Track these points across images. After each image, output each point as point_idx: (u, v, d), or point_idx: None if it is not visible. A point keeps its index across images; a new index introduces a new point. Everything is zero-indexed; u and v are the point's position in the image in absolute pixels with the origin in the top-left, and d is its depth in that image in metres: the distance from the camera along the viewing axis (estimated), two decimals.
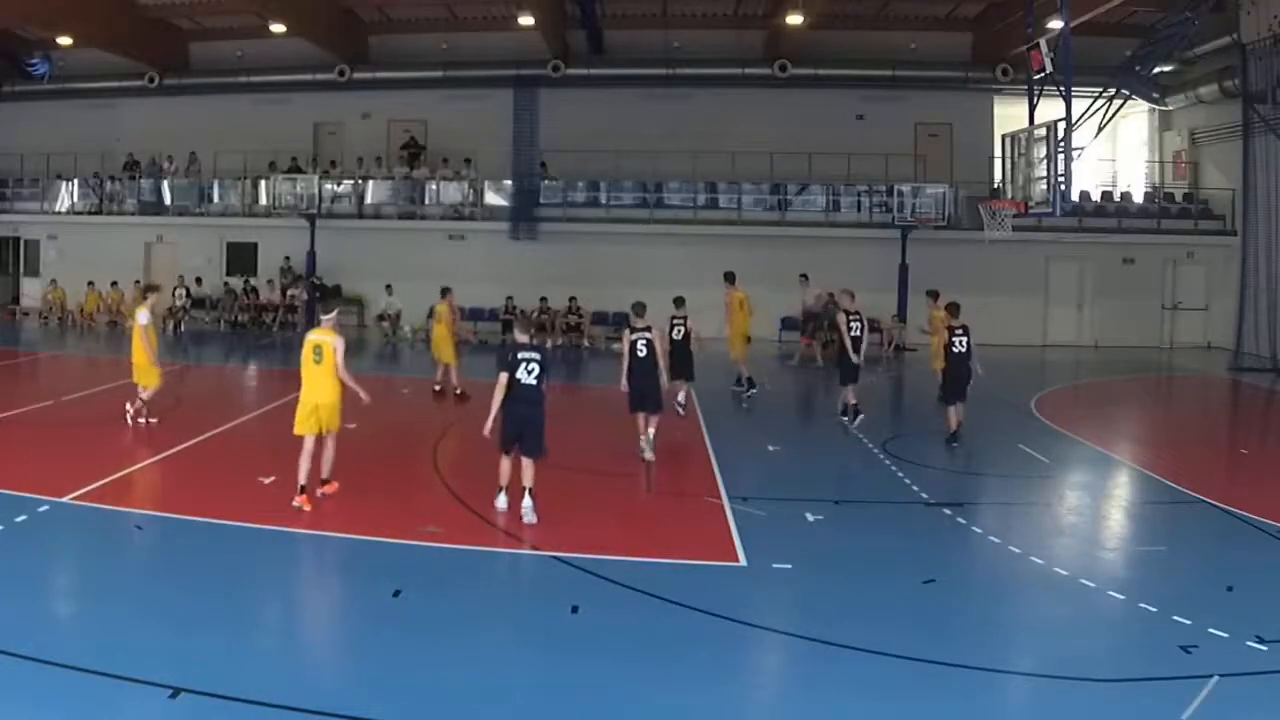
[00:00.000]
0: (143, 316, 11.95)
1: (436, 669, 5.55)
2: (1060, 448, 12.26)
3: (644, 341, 10.74)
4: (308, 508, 8.58)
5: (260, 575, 7.10)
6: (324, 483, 9.04)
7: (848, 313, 12.90)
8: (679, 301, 13.18)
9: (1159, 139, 26.08)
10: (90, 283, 25.14)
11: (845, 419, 12.82)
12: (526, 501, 8.33)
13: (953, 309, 12.23)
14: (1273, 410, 17.78)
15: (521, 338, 8.75)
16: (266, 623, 6.37)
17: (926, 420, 13.72)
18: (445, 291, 15.46)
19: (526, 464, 8.40)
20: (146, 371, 11.88)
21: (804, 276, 20.28)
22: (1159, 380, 20.61)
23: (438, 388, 15.10)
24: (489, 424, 8.36)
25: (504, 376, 8.30)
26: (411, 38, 26.06)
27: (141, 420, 11.80)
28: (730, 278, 15.71)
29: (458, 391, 14.52)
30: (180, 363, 18.82)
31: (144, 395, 11.89)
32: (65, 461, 9.86)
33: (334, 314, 9.65)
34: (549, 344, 21.63)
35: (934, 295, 14.92)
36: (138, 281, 25.64)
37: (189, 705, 4.93)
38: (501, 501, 8.65)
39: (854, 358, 12.62)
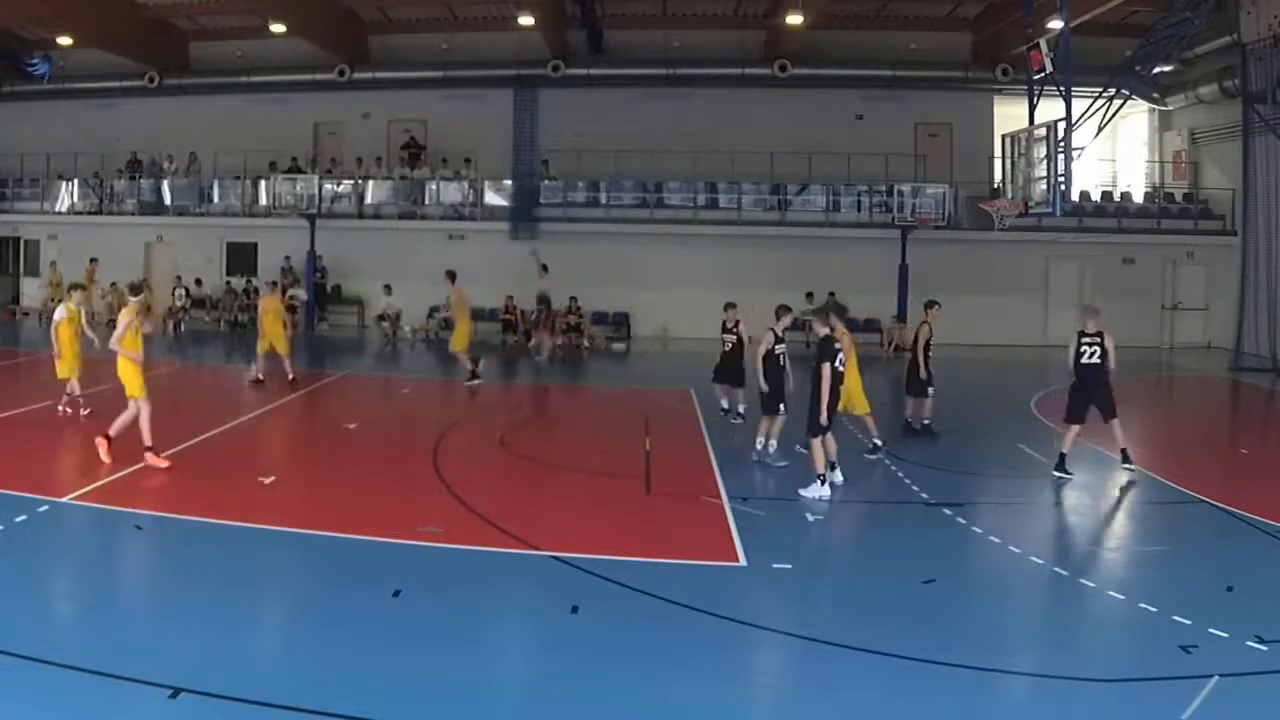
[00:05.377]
0: (58, 312, 12.46)
1: (436, 669, 5.54)
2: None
3: None
4: None
5: (260, 575, 7.10)
6: None
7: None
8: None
9: (1159, 139, 26.09)
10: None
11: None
12: None
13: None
14: (1273, 410, 17.76)
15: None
16: (266, 623, 6.37)
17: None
18: (273, 285, 16.60)
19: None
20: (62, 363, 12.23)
21: (544, 267, 19.57)
22: (1159, 380, 20.57)
23: (260, 378, 15.15)
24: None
25: (825, 368, 9.29)
26: (411, 38, 26.08)
27: (71, 411, 12.09)
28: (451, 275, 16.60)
29: (291, 379, 14.92)
30: (180, 363, 18.84)
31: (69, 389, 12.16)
32: (65, 461, 9.86)
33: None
34: (549, 344, 21.61)
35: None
36: (133, 283, 25.68)
37: (189, 705, 4.92)
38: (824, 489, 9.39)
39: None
